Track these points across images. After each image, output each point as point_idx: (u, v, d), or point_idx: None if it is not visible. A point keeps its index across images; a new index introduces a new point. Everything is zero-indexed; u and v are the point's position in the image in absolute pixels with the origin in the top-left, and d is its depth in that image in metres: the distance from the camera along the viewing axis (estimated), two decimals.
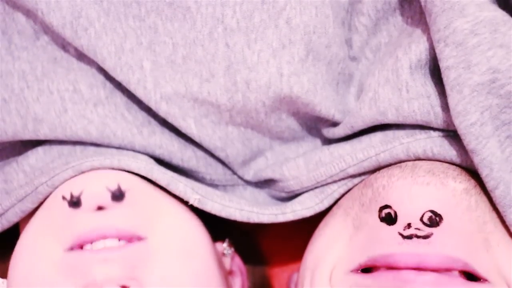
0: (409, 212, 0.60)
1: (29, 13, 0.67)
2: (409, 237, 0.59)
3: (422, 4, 0.63)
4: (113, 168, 0.67)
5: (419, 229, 0.59)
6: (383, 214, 0.61)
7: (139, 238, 0.63)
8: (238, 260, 0.76)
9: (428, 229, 0.59)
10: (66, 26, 0.65)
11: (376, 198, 0.63)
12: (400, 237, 0.60)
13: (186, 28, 0.65)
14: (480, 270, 0.59)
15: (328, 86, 0.69)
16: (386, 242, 0.60)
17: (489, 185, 0.60)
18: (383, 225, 0.61)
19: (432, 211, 0.60)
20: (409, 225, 0.60)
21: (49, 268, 0.62)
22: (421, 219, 0.60)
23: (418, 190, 0.61)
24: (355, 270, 0.61)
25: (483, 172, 0.60)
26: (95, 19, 0.66)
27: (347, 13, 0.69)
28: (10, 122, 0.69)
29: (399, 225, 0.60)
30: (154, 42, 0.66)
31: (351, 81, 0.71)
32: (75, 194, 0.64)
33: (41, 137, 0.69)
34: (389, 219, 0.61)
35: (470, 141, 0.60)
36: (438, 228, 0.59)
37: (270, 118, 0.70)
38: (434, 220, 0.60)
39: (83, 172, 0.67)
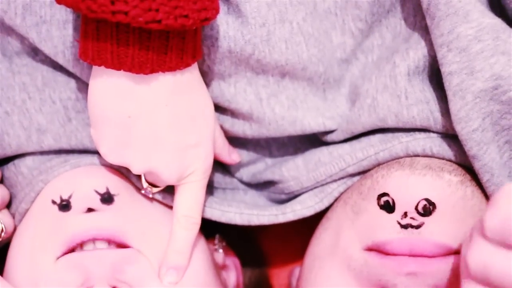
0: (406, 200, 0.61)
1: (23, 37, 0.65)
2: (405, 226, 0.61)
3: (425, 7, 0.62)
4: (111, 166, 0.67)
5: (413, 219, 0.61)
6: (381, 202, 0.62)
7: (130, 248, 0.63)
8: (231, 254, 0.76)
9: (421, 218, 0.61)
10: (58, 55, 0.64)
11: (374, 187, 0.64)
12: (398, 226, 0.61)
13: None
14: (456, 245, 0.60)
15: (312, 97, 0.68)
16: (388, 230, 0.61)
17: (490, 190, 0.62)
18: (383, 212, 0.62)
19: (426, 200, 0.61)
20: (405, 214, 0.61)
21: (43, 278, 0.62)
22: (416, 208, 0.61)
23: (415, 180, 0.62)
24: (367, 249, 0.62)
25: (484, 178, 0.61)
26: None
27: (337, 16, 0.67)
28: (14, 135, 0.67)
29: (397, 214, 0.61)
30: None
31: (341, 83, 0.69)
32: (65, 197, 0.64)
33: (45, 148, 0.67)
34: (388, 207, 0.62)
35: (471, 147, 0.60)
36: (430, 217, 0.60)
37: (259, 140, 0.70)
38: (428, 209, 0.61)
39: None
